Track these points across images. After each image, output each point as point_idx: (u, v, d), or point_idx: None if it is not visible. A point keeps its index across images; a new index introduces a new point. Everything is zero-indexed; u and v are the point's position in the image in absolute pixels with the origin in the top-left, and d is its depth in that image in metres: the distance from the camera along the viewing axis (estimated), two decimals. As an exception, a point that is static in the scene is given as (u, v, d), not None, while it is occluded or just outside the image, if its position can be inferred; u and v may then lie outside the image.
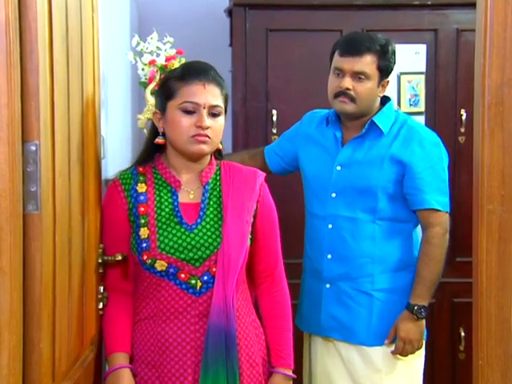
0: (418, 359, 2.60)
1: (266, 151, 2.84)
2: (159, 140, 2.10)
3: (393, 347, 2.54)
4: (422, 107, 3.59)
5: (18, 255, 1.51)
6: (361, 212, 2.56)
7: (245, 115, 3.56)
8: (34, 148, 1.54)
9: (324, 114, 2.74)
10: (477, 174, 1.78)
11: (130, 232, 2.06)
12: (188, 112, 2.02)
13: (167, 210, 2.05)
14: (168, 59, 3.00)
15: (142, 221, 2.03)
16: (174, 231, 2.03)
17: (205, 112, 2.02)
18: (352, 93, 2.53)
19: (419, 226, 2.63)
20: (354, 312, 2.58)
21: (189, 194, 2.09)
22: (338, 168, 2.60)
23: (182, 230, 2.04)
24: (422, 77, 3.59)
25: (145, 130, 3.00)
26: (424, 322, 2.55)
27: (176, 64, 2.98)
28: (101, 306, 2.11)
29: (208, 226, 2.06)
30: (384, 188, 2.55)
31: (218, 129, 2.05)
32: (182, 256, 2.01)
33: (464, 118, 3.54)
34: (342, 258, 2.58)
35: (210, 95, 2.03)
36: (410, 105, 3.60)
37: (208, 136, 2.02)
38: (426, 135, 2.59)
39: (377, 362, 2.56)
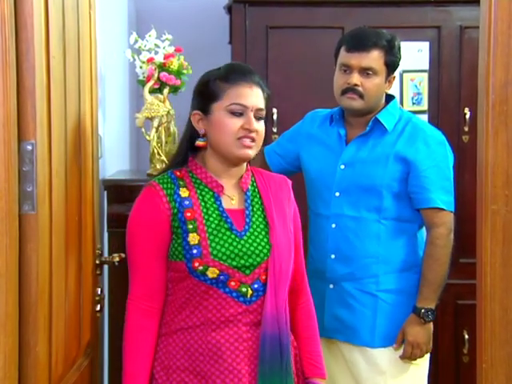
0: (422, 361, 2.60)
1: (266, 151, 2.84)
2: (200, 142, 2.05)
3: (400, 351, 2.54)
4: (424, 106, 3.59)
5: (14, 256, 1.51)
6: (365, 211, 2.56)
7: (245, 114, 3.54)
8: (30, 147, 1.54)
9: (327, 113, 2.73)
10: (481, 173, 1.78)
11: (169, 239, 2.00)
12: (235, 114, 2.00)
13: (214, 215, 2.01)
14: (167, 57, 3.01)
15: (190, 226, 1.98)
16: (225, 237, 1.99)
17: (252, 114, 2.01)
18: (360, 89, 2.53)
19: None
20: (358, 313, 2.57)
21: (231, 200, 2.06)
22: (342, 167, 2.59)
23: (233, 236, 2.00)
24: (425, 75, 3.59)
25: (143, 129, 3.01)
26: (432, 324, 2.55)
27: (175, 62, 2.98)
28: (98, 308, 2.11)
29: (256, 233, 2.03)
30: (389, 186, 2.54)
31: (262, 132, 2.05)
32: (234, 263, 1.98)
33: (468, 116, 3.54)
34: (346, 258, 2.57)
35: (256, 98, 2.02)
36: (413, 103, 3.60)
37: (254, 139, 2.01)
38: (432, 133, 2.60)
39: (381, 364, 2.56)
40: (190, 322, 1.99)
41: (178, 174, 2.05)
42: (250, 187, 2.10)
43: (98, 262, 2.07)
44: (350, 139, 2.62)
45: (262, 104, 2.03)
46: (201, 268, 1.95)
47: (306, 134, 2.75)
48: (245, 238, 2.01)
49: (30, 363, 1.56)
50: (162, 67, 2.98)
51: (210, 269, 1.95)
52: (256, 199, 2.09)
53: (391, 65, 2.57)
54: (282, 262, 2.03)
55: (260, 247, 2.02)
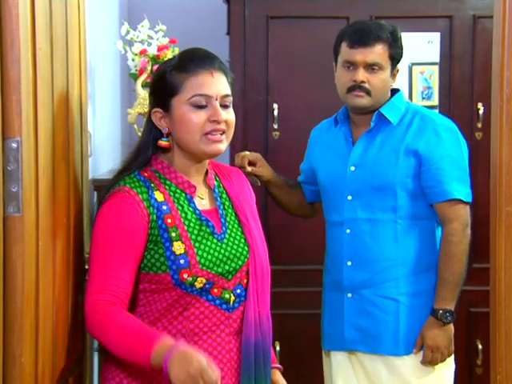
0: (447, 370, 2.61)
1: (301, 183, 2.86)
2: (164, 142, 1.99)
3: (421, 356, 2.54)
4: (435, 100, 3.60)
5: (-2, 261, 1.51)
6: (380, 212, 2.58)
7: (243, 109, 3.55)
8: (15, 145, 1.54)
9: (330, 119, 2.77)
10: (495, 173, 1.78)
11: (143, 249, 1.92)
12: (199, 107, 1.93)
13: (193, 220, 1.97)
14: (160, 49, 3.01)
15: (173, 234, 1.92)
16: (208, 243, 1.96)
17: (217, 104, 1.94)
18: (367, 85, 2.55)
19: None
20: (380, 320, 2.58)
21: (201, 200, 2.02)
22: (352, 168, 2.61)
23: (215, 241, 1.97)
24: (436, 68, 3.60)
25: (135, 126, 3.01)
26: (452, 326, 2.56)
27: (169, 54, 2.99)
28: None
29: (233, 235, 2.02)
30: (402, 184, 2.55)
31: (232, 121, 1.98)
32: (220, 270, 1.96)
33: (481, 112, 3.55)
34: (364, 264, 2.59)
35: (220, 84, 1.95)
36: (423, 98, 3.60)
37: (223, 131, 1.95)
38: (441, 122, 2.61)
39: (405, 373, 2.56)
40: (171, 335, 1.90)
41: (146, 175, 1.99)
42: (215, 183, 2.07)
43: (87, 267, 2.07)
44: (357, 139, 2.64)
45: (227, 90, 1.97)
46: (189, 279, 1.91)
47: (314, 146, 2.80)
48: (225, 241, 1.99)
49: (15, 375, 1.56)
50: (155, 60, 2.99)
51: (199, 279, 1.92)
52: (224, 196, 2.07)
53: (396, 58, 2.60)
54: (263, 261, 2.03)
55: (240, 249, 2.01)
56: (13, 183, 1.55)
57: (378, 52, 2.55)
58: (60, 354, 1.87)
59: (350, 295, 2.61)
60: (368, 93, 2.55)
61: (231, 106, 1.99)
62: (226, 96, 1.96)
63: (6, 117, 1.53)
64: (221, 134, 1.95)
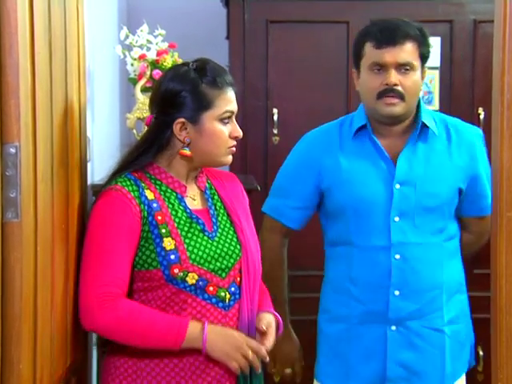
0: None
1: (273, 213, 2.54)
2: (186, 152, 2.02)
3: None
4: (436, 105, 3.60)
5: (-4, 267, 1.51)
6: (430, 235, 2.40)
7: (243, 114, 3.54)
8: (13, 150, 1.55)
9: (333, 127, 2.52)
10: (495, 178, 1.78)
11: (137, 245, 1.98)
12: (225, 122, 2.03)
13: (184, 217, 2.03)
14: (159, 53, 3.01)
15: (163, 230, 1.98)
16: (199, 240, 2.02)
17: (234, 119, 2.07)
18: (400, 88, 2.33)
19: None
20: (427, 355, 2.42)
21: (193, 201, 2.08)
22: (398, 186, 2.38)
23: (206, 238, 2.03)
24: (436, 72, 3.60)
25: (134, 131, 3.01)
26: None
27: (168, 59, 2.99)
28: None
29: (225, 233, 2.07)
30: (452, 203, 2.42)
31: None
32: (212, 266, 2.00)
33: (482, 117, 3.55)
34: (414, 293, 2.39)
35: (235, 100, 2.07)
36: (424, 103, 3.60)
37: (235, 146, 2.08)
38: (477, 133, 2.51)
39: None
40: None
41: (136, 175, 2.04)
42: (206, 185, 2.13)
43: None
44: (392, 151, 2.41)
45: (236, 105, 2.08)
46: (180, 274, 1.96)
47: (325, 159, 2.48)
48: (216, 239, 2.05)
49: (13, 381, 1.56)
50: (154, 64, 2.99)
51: (190, 274, 1.97)
52: (216, 197, 2.13)
53: (425, 57, 2.40)
54: (255, 260, 2.08)
55: (232, 247, 2.06)
56: (11, 189, 1.55)
57: (408, 51, 2.34)
58: (58, 360, 1.87)
59: (394, 328, 2.40)
60: (402, 97, 2.33)
61: None
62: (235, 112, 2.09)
63: (4, 121, 1.53)
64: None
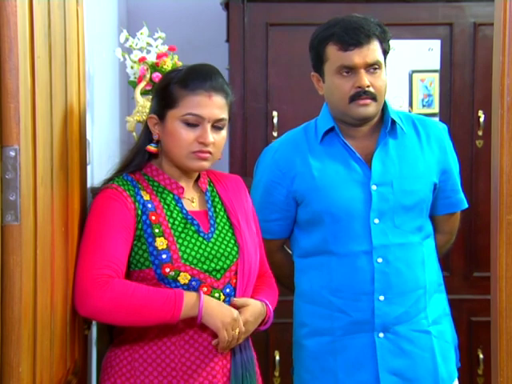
0: None
1: (266, 236, 2.40)
2: (151, 148, 2.07)
3: None
4: (436, 108, 3.60)
5: (-4, 270, 1.51)
6: (410, 234, 2.35)
7: (243, 117, 3.56)
8: (13, 153, 1.55)
9: (298, 134, 2.47)
10: (495, 181, 1.78)
11: (132, 237, 2.00)
12: (190, 125, 2.00)
13: (179, 218, 2.04)
14: (159, 56, 3.01)
15: (156, 230, 2.00)
16: (193, 240, 2.03)
17: (209, 126, 2.00)
18: (372, 89, 2.28)
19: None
20: (418, 360, 2.35)
21: (191, 203, 2.10)
22: (374, 188, 2.32)
23: (200, 239, 2.04)
24: (436, 75, 3.60)
25: (134, 134, 3.01)
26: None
27: (168, 62, 2.99)
28: (86, 325, 2.10)
29: (222, 235, 2.08)
30: (428, 199, 2.39)
31: (220, 143, 2.05)
32: (205, 267, 2.01)
33: (482, 120, 3.55)
34: (398, 296, 2.32)
35: (216, 107, 2.01)
36: (423, 105, 3.60)
37: (210, 152, 2.02)
38: (443, 127, 2.49)
39: None
40: (162, 335, 2.00)
41: (134, 176, 2.08)
42: (208, 187, 2.14)
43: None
44: (363, 153, 2.36)
45: (222, 114, 2.02)
46: (172, 273, 1.97)
47: (295, 169, 2.41)
48: (212, 240, 2.05)
49: (13, 385, 1.56)
50: (154, 67, 2.99)
51: (182, 274, 1.98)
52: (217, 199, 2.14)
53: (387, 51, 2.35)
54: (251, 263, 2.08)
55: (228, 249, 2.07)
56: (11, 192, 1.55)
57: (374, 49, 2.28)
58: (58, 364, 1.87)
59: (381, 335, 2.32)
60: (374, 98, 2.28)
61: (224, 128, 2.06)
62: (220, 120, 2.03)
63: (4, 125, 1.53)
64: (207, 153, 2.02)
